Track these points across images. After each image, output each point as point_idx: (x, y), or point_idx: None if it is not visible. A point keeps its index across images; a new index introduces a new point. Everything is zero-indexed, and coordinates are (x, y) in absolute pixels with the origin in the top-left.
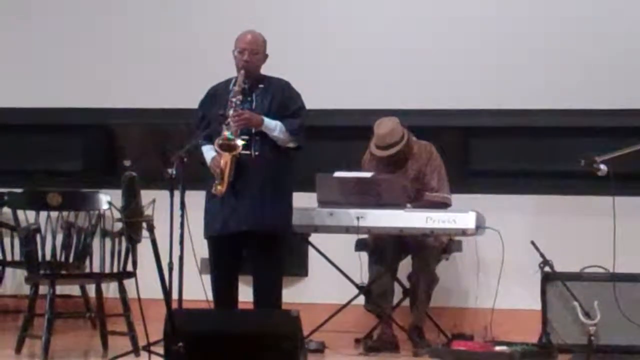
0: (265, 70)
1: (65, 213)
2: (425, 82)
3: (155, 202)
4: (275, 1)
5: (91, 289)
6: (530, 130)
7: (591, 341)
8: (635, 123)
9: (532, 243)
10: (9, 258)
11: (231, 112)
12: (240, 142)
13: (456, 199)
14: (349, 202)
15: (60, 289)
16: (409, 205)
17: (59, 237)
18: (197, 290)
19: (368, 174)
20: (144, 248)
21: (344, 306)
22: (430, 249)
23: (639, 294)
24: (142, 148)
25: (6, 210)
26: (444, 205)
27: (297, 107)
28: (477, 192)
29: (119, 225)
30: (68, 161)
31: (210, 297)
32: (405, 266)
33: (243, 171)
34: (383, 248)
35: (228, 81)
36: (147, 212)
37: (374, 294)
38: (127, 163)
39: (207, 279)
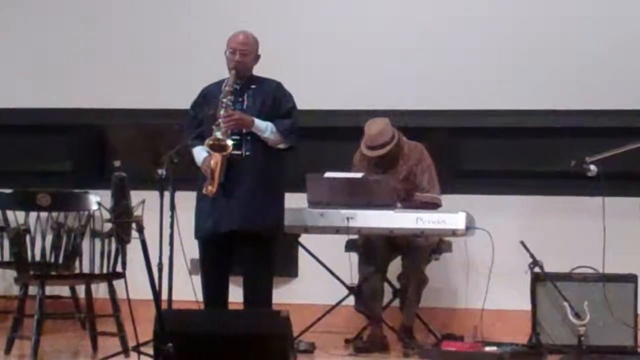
0: (263, 70)
1: (54, 213)
2: (415, 83)
3: (145, 202)
4: (275, 1)
5: (81, 290)
6: (520, 131)
7: (581, 341)
8: (627, 124)
9: (522, 243)
10: None
11: (222, 112)
12: (230, 143)
13: (446, 199)
14: (339, 203)
15: (50, 290)
16: (399, 205)
17: (49, 238)
18: (187, 290)
19: (358, 175)
20: (133, 249)
21: (334, 307)
22: (420, 250)
23: (628, 295)
24: (132, 149)
25: None
26: (434, 205)
27: (289, 108)
28: (467, 192)
29: (108, 226)
30: (58, 162)
31: (200, 297)
32: (395, 266)
33: (234, 171)
34: (373, 248)
35: (221, 82)
36: (137, 212)
37: (364, 294)
38: (117, 164)
39: (196, 279)
